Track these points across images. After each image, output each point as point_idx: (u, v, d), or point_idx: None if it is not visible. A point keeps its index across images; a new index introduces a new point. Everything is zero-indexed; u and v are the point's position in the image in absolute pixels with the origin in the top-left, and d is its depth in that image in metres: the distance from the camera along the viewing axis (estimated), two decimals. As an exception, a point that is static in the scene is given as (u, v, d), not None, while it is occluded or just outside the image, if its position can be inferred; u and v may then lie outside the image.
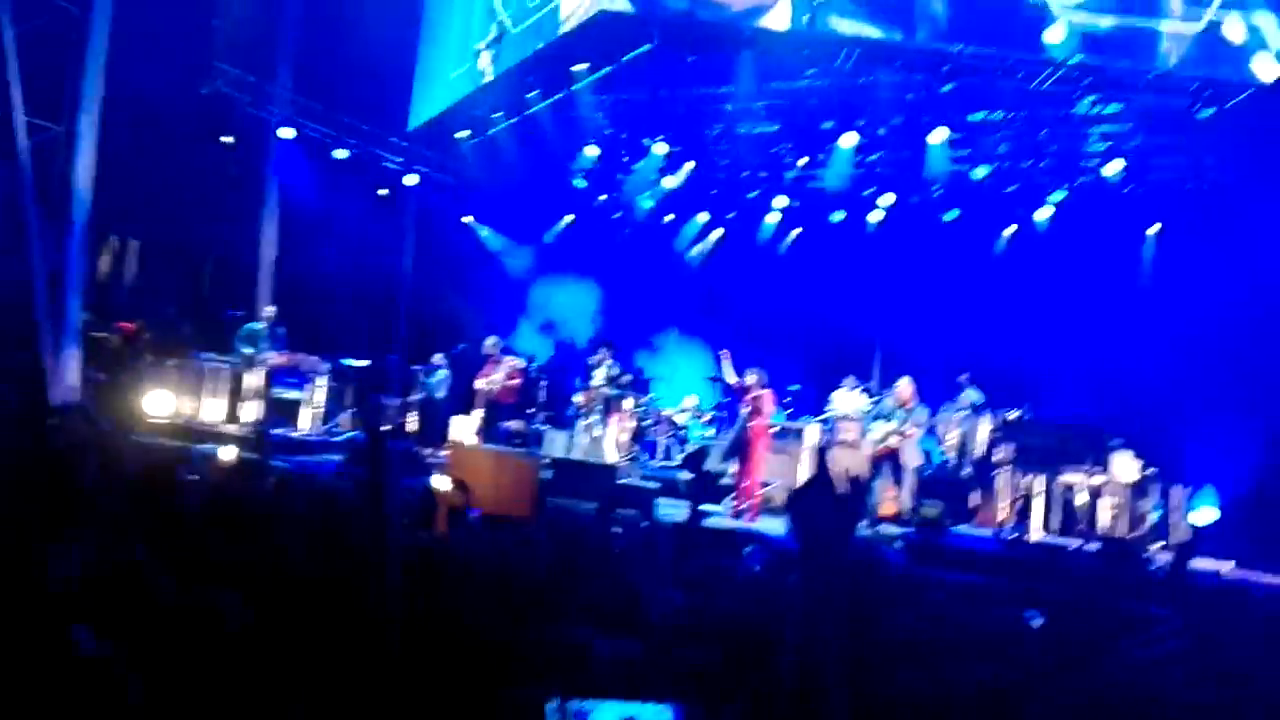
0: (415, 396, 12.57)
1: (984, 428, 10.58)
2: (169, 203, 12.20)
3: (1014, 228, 14.53)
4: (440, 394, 12.39)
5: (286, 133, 14.05)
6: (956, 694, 3.14)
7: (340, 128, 15.16)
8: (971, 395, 11.45)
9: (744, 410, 9.74)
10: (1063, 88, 11.41)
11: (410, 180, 15.80)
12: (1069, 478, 9.09)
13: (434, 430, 11.86)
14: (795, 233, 16.71)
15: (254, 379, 11.17)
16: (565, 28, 11.60)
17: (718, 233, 17.32)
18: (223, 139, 13.74)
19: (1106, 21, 10.28)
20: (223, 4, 12.58)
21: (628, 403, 11.57)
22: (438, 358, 12.59)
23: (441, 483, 7.95)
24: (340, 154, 14.82)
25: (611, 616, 3.59)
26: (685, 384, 14.37)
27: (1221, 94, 10.65)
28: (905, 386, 9.59)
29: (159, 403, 10.63)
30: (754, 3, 10.64)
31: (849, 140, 13.44)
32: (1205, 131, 11.40)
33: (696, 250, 17.42)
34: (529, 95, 14.17)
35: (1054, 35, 10.15)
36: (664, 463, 12.64)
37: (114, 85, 11.78)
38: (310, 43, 14.20)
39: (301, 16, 14.35)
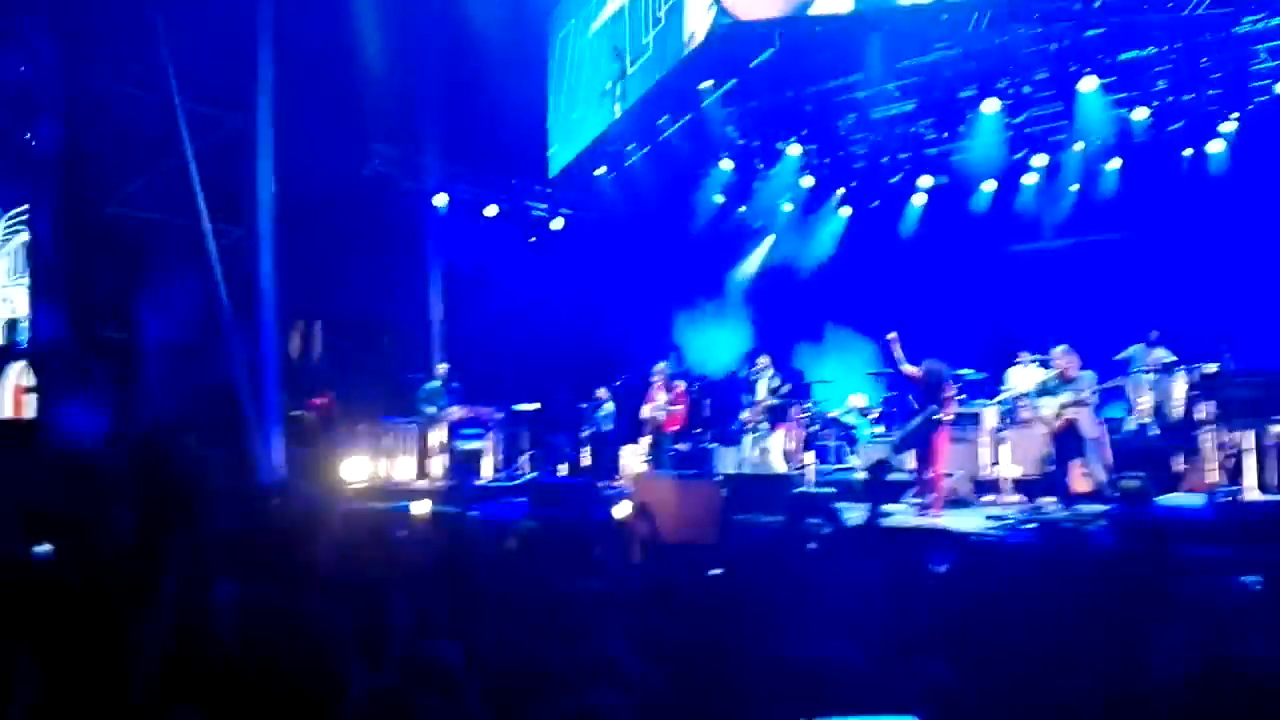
0: (585, 432, 12.93)
1: (1179, 386, 9.79)
2: (344, 281, 13.13)
3: (1186, 167, 13.39)
4: (607, 426, 12.69)
5: (440, 199, 14.87)
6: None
7: (487, 186, 15.91)
8: (1160, 354, 10.64)
9: (931, 405, 9.40)
10: (1217, 10, 10.55)
11: (556, 224, 16.35)
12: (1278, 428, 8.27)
13: (606, 462, 12.16)
14: (946, 210, 16.07)
15: (437, 434, 11.82)
16: (690, 45, 11.72)
17: (866, 224, 16.89)
18: (385, 216, 14.72)
19: None
20: (371, 85, 13.44)
21: (794, 411, 11.47)
22: (601, 391, 12.91)
23: (623, 510, 8.18)
24: (490, 210, 15.54)
25: (825, 627, 3.54)
26: (848, 383, 14.05)
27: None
28: (1062, 356, 9.03)
29: (355, 468, 11.43)
30: None
31: (992, 105, 12.85)
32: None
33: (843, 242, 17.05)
34: (659, 121, 14.41)
35: None
36: (836, 466, 12.41)
37: (284, 181, 12.85)
38: (450, 110, 14.99)
39: (442, 86, 15.17)
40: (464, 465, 11.83)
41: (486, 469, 11.96)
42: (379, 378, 13.90)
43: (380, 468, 11.97)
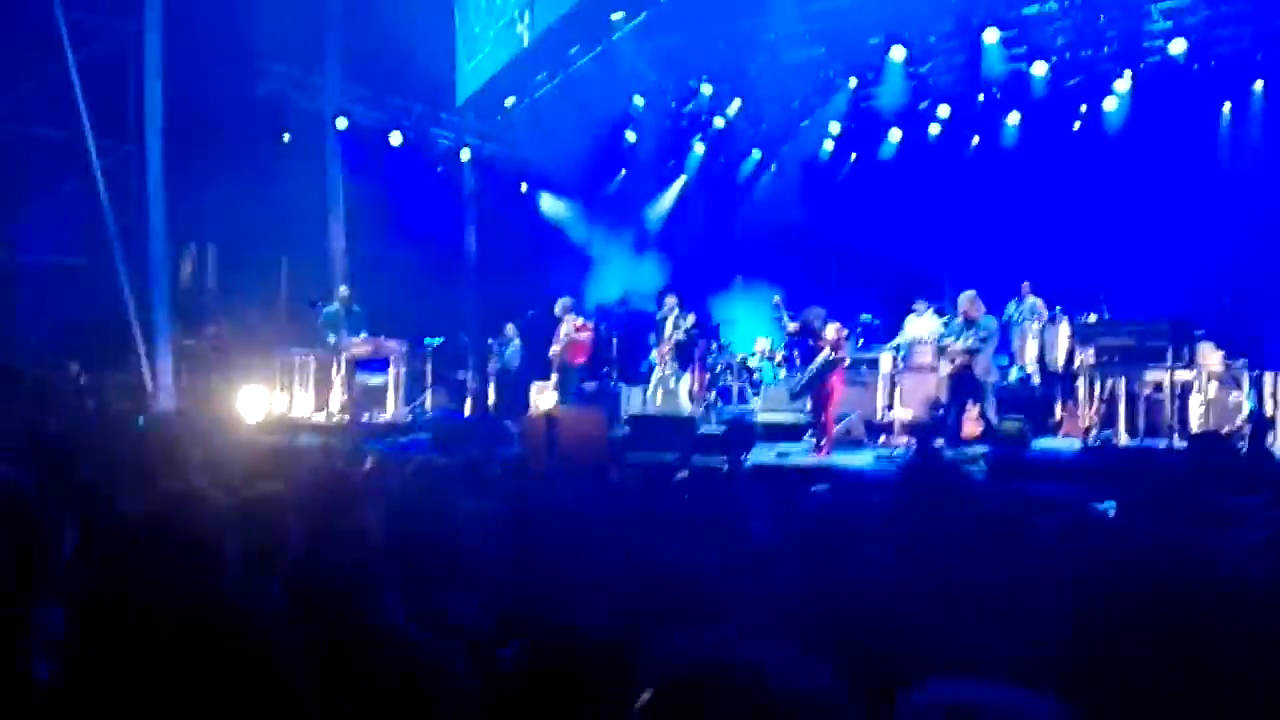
0: (492, 368, 12.87)
1: (1062, 334, 10.31)
2: (238, 206, 12.64)
3: (1078, 125, 13.92)
4: (515, 364, 12.66)
5: (340, 123, 14.35)
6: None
7: (393, 111, 15.41)
8: (1037, 302, 11.18)
9: (824, 349, 9.66)
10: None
11: (464, 155, 16.00)
12: (1153, 376, 8.81)
13: (512, 400, 12.16)
14: (852, 157, 16.37)
15: (338, 368, 11.60)
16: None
17: (773, 167, 17.09)
18: (282, 136, 14.15)
19: None
20: (264, 4, 12.82)
21: (699, 352, 11.65)
22: (509, 328, 12.84)
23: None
24: (395, 137, 15.08)
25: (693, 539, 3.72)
26: (755, 326, 14.33)
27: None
28: (967, 300, 9.38)
29: (251, 400, 11.15)
30: None
31: (898, 54, 13.05)
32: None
33: (753, 184, 17.24)
34: (570, 51, 14.17)
35: None
36: (741, 407, 12.70)
37: (175, 97, 12.22)
38: (353, 31, 14.40)
39: (343, 10, 14.54)
40: (364, 400, 11.65)
41: (388, 405, 11.81)
42: (276, 307, 13.52)
43: (278, 401, 11.70)
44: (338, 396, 11.53)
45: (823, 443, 9.47)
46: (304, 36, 14.07)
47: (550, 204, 16.88)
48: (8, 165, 11.30)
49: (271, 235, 12.99)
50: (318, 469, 6.69)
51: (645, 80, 15.06)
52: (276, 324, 12.96)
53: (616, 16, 13.27)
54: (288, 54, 14.05)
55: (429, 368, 12.73)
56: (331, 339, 11.65)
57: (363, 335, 11.77)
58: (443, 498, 4.74)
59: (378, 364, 11.88)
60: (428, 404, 12.59)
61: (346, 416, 11.23)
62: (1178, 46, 12.06)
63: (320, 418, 11.37)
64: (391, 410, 11.78)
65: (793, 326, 10.12)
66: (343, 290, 12.19)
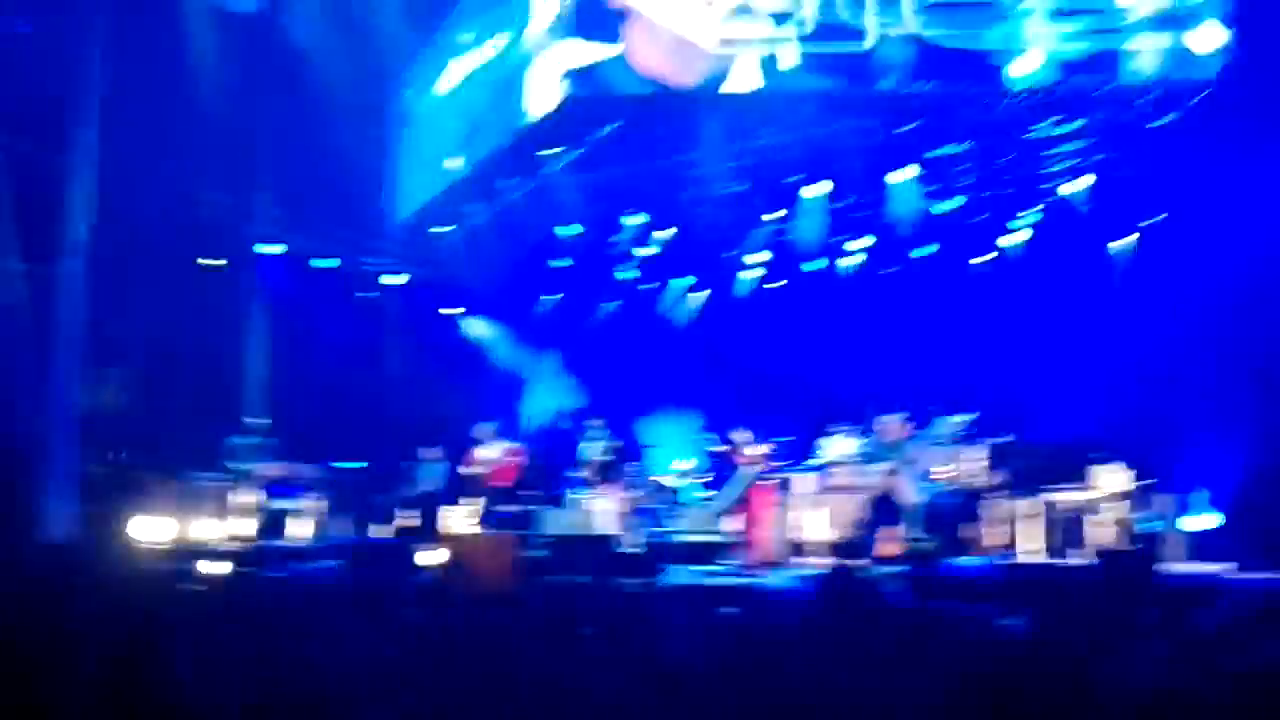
0: (413, 493, 12.60)
1: (975, 455, 10.45)
2: (159, 330, 12.52)
3: (987, 256, 14.58)
4: (433, 488, 12.43)
5: (269, 249, 14.42)
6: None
7: (321, 237, 15.54)
8: (954, 423, 11.36)
9: (745, 469, 9.69)
10: (1021, 113, 11.56)
11: (392, 280, 16.12)
12: (1060, 496, 8.93)
13: (430, 525, 11.87)
14: (776, 285, 16.82)
15: (248, 493, 11.28)
16: (536, 115, 11.91)
17: (698, 296, 17.48)
18: (209, 261, 14.15)
19: (1074, 46, 10.38)
20: (202, 131, 13.08)
21: (621, 472, 11.55)
22: (427, 452, 12.66)
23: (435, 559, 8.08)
24: (322, 262, 15.15)
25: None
26: (676, 449, 14.33)
27: (1177, 99, 10.74)
28: (892, 424, 9.54)
29: (154, 528, 10.73)
30: (712, 72, 10.86)
31: (817, 190, 13.60)
32: (1166, 138, 11.48)
33: (678, 314, 17.57)
34: (505, 182, 14.52)
35: (1024, 66, 10.25)
36: (661, 528, 12.52)
37: (103, 222, 12.22)
38: (286, 160, 14.66)
39: (275, 136, 14.84)
40: (274, 526, 11.28)
41: (300, 530, 11.44)
42: (189, 431, 13.19)
43: (185, 527, 11.27)
44: (245, 522, 11.16)
45: (751, 560, 9.37)
46: (238, 164, 14.29)
47: (477, 328, 16.96)
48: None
49: (188, 358, 12.82)
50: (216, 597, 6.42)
51: (577, 209, 15.45)
52: (187, 449, 12.63)
53: (552, 151, 13.68)
54: (220, 181, 14.23)
55: (344, 492, 12.42)
56: (241, 467, 11.42)
57: (274, 461, 11.56)
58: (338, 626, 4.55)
59: (290, 489, 11.57)
60: (339, 529, 12.23)
61: (254, 542, 10.84)
62: (1078, 185, 12.77)
63: (226, 545, 10.95)
64: (303, 536, 11.40)
65: (719, 449, 10.16)
66: (258, 422, 12.04)
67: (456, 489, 12.00)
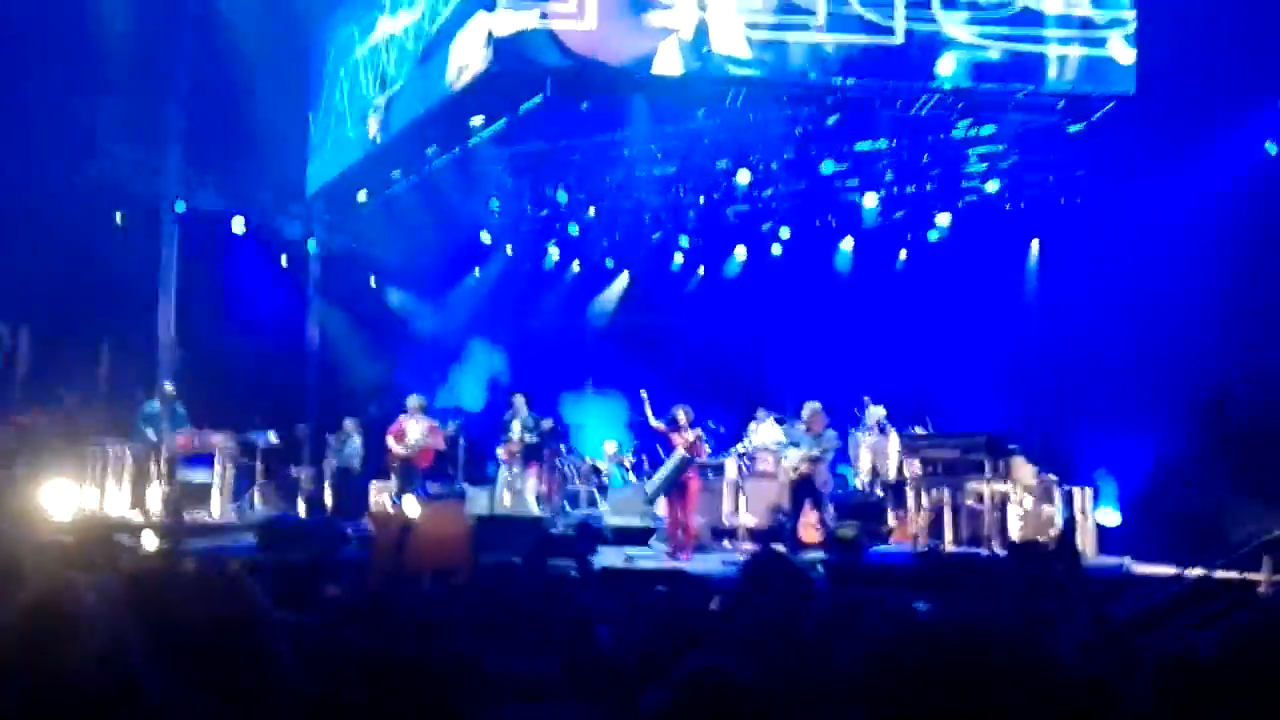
0: (329, 466, 12.36)
1: (892, 446, 10.86)
2: (61, 289, 11.90)
3: (905, 253, 15.07)
4: (354, 463, 12.21)
5: (179, 207, 13.81)
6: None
7: (237, 198, 14.95)
8: (876, 414, 11.77)
9: (678, 449, 9.80)
10: (940, 113, 11.92)
11: (311, 246, 15.66)
12: (974, 487, 9.38)
13: (350, 500, 11.68)
14: (700, 271, 17.02)
15: (157, 462, 10.87)
16: (460, 81, 11.67)
17: (623, 277, 17.53)
18: (115, 218, 13.47)
19: (995, 50, 10.70)
20: (107, 80, 12.39)
21: (548, 453, 11.59)
22: (348, 424, 12.42)
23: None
24: (238, 225, 14.61)
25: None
26: (604, 430, 14.44)
27: (1087, 107, 11.24)
28: (811, 412, 9.80)
29: (60, 496, 10.25)
30: (639, 52, 10.80)
31: (744, 177, 13.78)
32: (1075, 145, 12.06)
33: (604, 296, 17.61)
34: (427, 151, 14.22)
35: (945, 67, 10.55)
36: (588, 511, 12.63)
37: (3, 172, 11.50)
38: (199, 114, 14.03)
39: (190, 90, 14.18)
40: (186, 497, 10.89)
41: (213, 504, 11.09)
42: (96, 396, 12.60)
43: (90, 497, 10.79)
44: (156, 493, 10.76)
45: (679, 544, 9.54)
46: (146, 117, 13.60)
47: (399, 299, 16.67)
48: None
49: (95, 319, 12.25)
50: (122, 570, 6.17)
51: (502, 184, 15.27)
52: (93, 413, 12.06)
53: (475, 121, 13.45)
54: (127, 134, 13.53)
55: (259, 464, 12.09)
56: (151, 433, 10.97)
57: (187, 429, 11.15)
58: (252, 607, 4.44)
59: (203, 460, 11.20)
60: (256, 503, 11.91)
61: (164, 515, 10.47)
62: (992, 186, 13.31)
63: (135, 516, 10.55)
64: (216, 510, 11.07)
65: (656, 423, 10.21)
66: (167, 387, 11.58)
67: (376, 462, 11.83)
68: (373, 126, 13.69)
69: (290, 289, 15.67)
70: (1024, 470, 9.32)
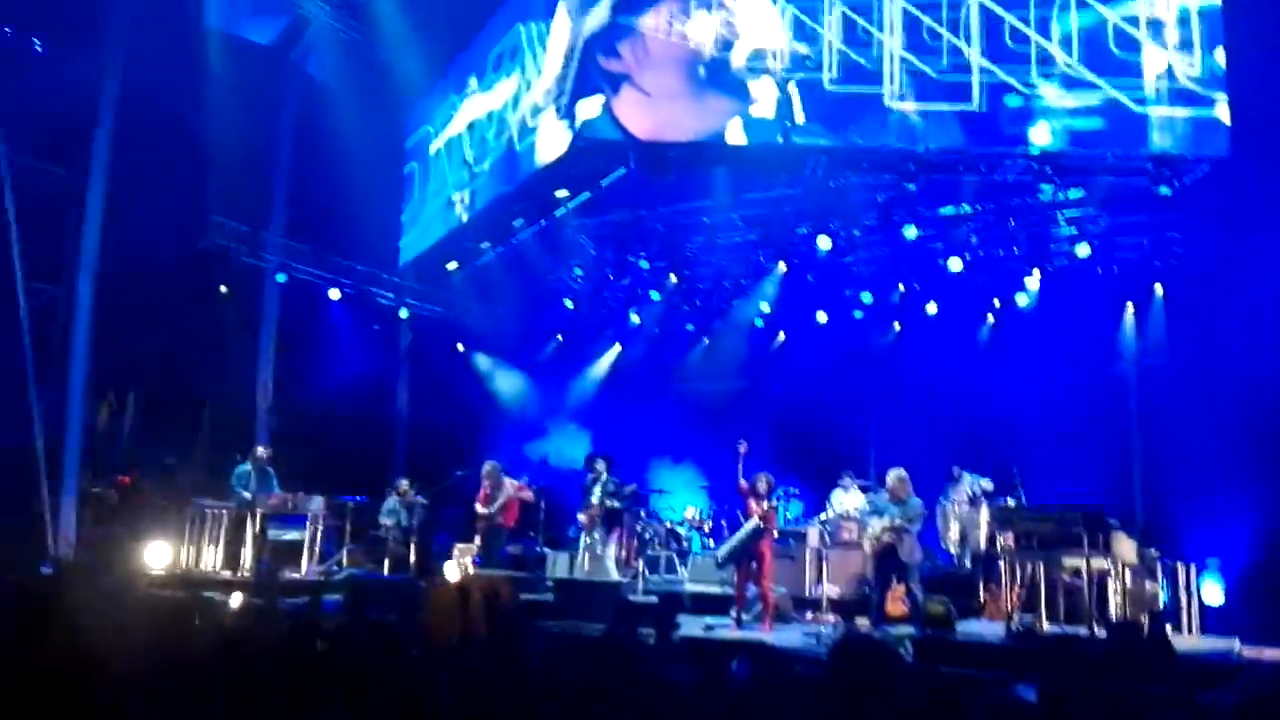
0: (403, 525, 12.54)
1: (983, 517, 10.50)
2: (167, 354, 12.49)
3: (992, 318, 14.74)
4: (409, 522, 12.35)
5: (280, 278, 14.47)
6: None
7: (333, 269, 15.63)
8: (968, 485, 11.42)
9: (753, 517, 9.64)
10: (1025, 177, 11.74)
11: (402, 313, 16.18)
12: (1071, 562, 8.96)
13: (432, 560, 11.82)
14: (780, 336, 16.95)
15: (251, 522, 11.21)
16: (545, 159, 12.01)
17: (703, 343, 17.59)
18: (220, 289, 14.17)
19: (1094, 117, 10.44)
20: (217, 159, 13.14)
21: (628, 518, 11.55)
22: (403, 484, 12.59)
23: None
24: (334, 294, 15.23)
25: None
26: (684, 495, 14.37)
27: (1180, 170, 10.90)
28: (896, 479, 9.52)
29: (157, 554, 10.64)
30: (711, 128, 10.91)
31: (825, 243, 13.74)
32: (1168, 207, 11.69)
33: (684, 362, 17.68)
34: (514, 223, 14.62)
35: (1038, 135, 10.34)
36: (668, 577, 12.51)
37: (112, 245, 12.24)
38: (301, 190, 14.75)
39: (292, 166, 14.95)
40: (277, 556, 11.18)
41: (302, 562, 11.35)
42: (196, 458, 13.11)
43: (186, 555, 11.17)
44: (249, 552, 11.07)
45: (757, 615, 9.37)
46: (252, 193, 14.36)
47: (486, 365, 17.03)
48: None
49: (197, 384, 12.81)
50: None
51: (585, 252, 15.57)
52: (193, 474, 12.55)
53: (561, 194, 13.80)
54: (234, 209, 14.29)
55: (348, 525, 12.36)
56: (245, 495, 11.37)
57: (277, 490, 11.53)
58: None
59: (294, 520, 11.50)
60: (343, 562, 12.15)
61: (255, 573, 10.75)
62: (1083, 250, 12.97)
63: (227, 574, 10.86)
64: (304, 568, 11.32)
65: (743, 483, 10.02)
66: (259, 450, 12.02)
67: (462, 525, 11.96)
68: (460, 204, 14.17)
69: (382, 355, 16.20)
70: (1124, 545, 8.89)
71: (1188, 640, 8.39)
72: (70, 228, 12.36)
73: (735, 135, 10.67)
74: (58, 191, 12.38)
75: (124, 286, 12.22)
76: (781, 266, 15.17)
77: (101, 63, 12.43)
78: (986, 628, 9.44)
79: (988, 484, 11.68)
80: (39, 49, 12.63)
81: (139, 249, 12.36)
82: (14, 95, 11.47)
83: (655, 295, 16.36)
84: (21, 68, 12.04)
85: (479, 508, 11.51)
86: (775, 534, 9.93)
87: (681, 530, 13.48)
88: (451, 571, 10.63)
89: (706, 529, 13.31)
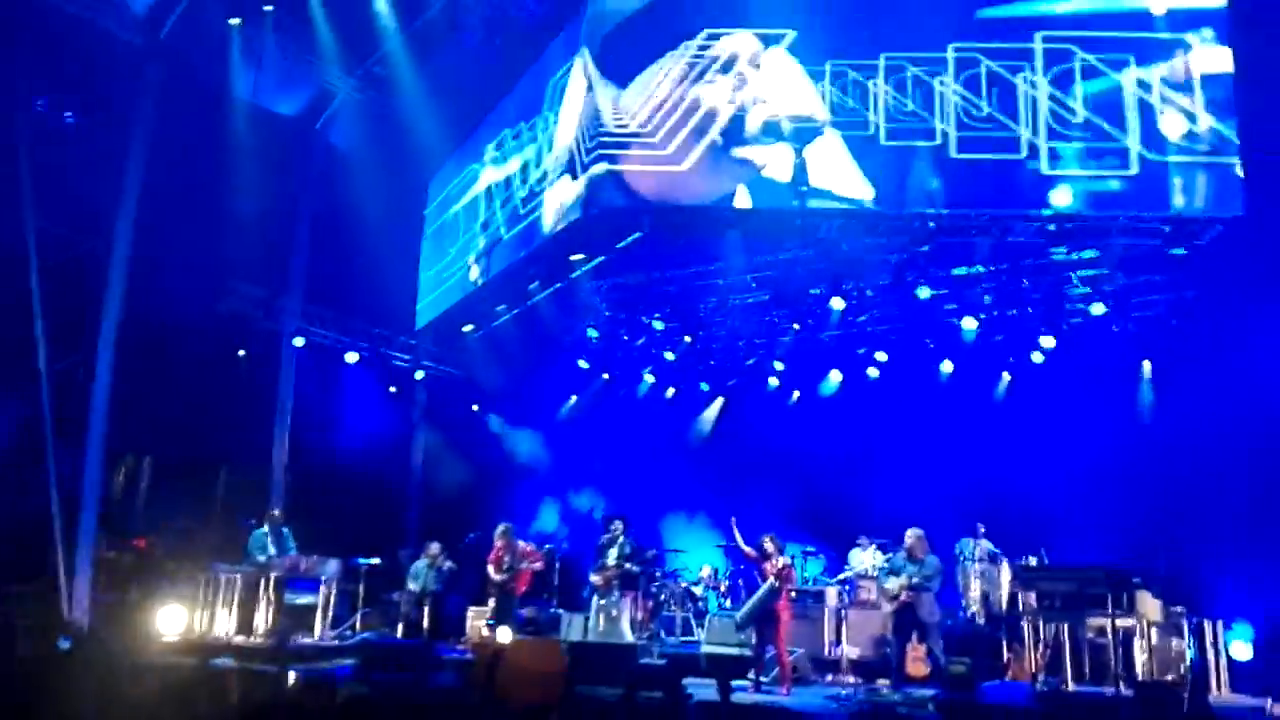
0: (429, 590, 12.41)
1: (1004, 577, 10.34)
2: (184, 418, 12.57)
3: (1008, 376, 14.69)
4: (433, 585, 12.21)
5: (297, 342, 14.63)
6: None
7: (350, 332, 15.82)
8: (986, 545, 11.27)
9: (768, 579, 9.56)
10: (1036, 239, 11.78)
11: (418, 375, 16.30)
12: (1095, 622, 8.80)
13: (447, 624, 11.69)
14: (794, 395, 16.93)
15: (265, 586, 11.14)
16: (559, 225, 12.18)
17: (718, 402, 17.58)
18: (239, 353, 14.32)
19: (1114, 181, 10.46)
20: (238, 225, 13.39)
21: (644, 579, 11.42)
22: (434, 548, 12.51)
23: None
24: (351, 357, 15.38)
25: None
26: (699, 554, 14.23)
27: (1194, 230, 10.90)
28: (913, 538, 9.46)
29: (171, 619, 10.56)
30: (721, 192, 11.03)
31: (838, 303, 13.78)
32: (1183, 266, 11.68)
33: (700, 420, 17.66)
34: (529, 286, 14.79)
35: (1060, 198, 10.35)
36: (684, 638, 12.31)
37: (133, 310, 12.41)
38: (320, 255, 14.98)
39: (311, 231, 15.22)
40: (291, 621, 11.08)
41: (316, 626, 11.24)
42: (212, 521, 13.11)
43: (200, 619, 11.08)
44: (263, 616, 10.98)
45: (775, 677, 9.21)
46: (272, 258, 14.59)
47: (500, 425, 17.08)
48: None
49: (214, 447, 12.86)
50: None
51: (600, 314, 15.69)
52: (209, 538, 12.53)
53: (575, 257, 13.96)
54: (254, 274, 14.51)
55: (361, 588, 12.26)
56: (260, 559, 11.32)
57: (293, 554, 11.48)
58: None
59: (308, 583, 11.43)
60: (357, 626, 12.03)
61: (269, 638, 10.65)
62: (1098, 309, 12.92)
63: (241, 639, 10.76)
64: (319, 632, 11.21)
65: (750, 551, 9.99)
66: (275, 512, 12.04)
67: (476, 588, 11.86)
68: (475, 270, 14.36)
69: (397, 416, 16.27)
70: (1149, 603, 8.73)
71: (1218, 698, 8.16)
72: (92, 293, 12.54)
73: (743, 199, 10.80)
74: (80, 256, 12.59)
75: (143, 351, 12.36)
76: (795, 326, 15.23)
77: (129, 132, 12.73)
78: (1010, 688, 9.22)
79: (990, 546, 11.53)
80: (69, 119, 12.97)
81: (159, 314, 12.54)
82: (43, 165, 11.77)
83: (669, 355, 16.41)
84: (53, 138, 12.36)
85: (491, 571, 11.43)
86: (793, 592, 9.82)
87: (697, 590, 13.31)
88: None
89: (723, 589, 13.14)
